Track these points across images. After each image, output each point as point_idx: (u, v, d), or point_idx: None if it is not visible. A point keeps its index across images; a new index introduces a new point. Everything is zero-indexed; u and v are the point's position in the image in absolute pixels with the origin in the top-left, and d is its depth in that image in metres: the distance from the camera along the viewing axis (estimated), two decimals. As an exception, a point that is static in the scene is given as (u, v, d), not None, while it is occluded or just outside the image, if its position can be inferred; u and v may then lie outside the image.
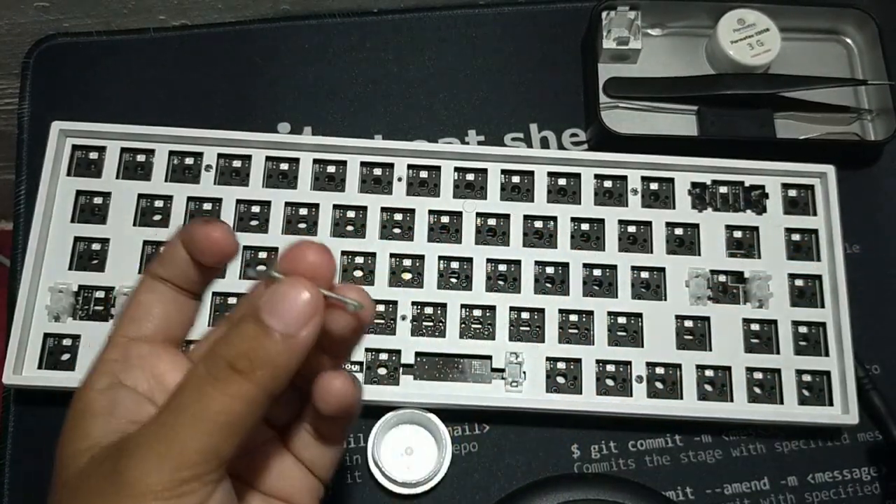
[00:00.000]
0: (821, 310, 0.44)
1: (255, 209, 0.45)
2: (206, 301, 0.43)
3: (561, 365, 0.43)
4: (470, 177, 0.46)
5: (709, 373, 0.43)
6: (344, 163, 0.46)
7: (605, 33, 0.49)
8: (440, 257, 0.45)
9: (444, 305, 0.44)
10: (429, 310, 0.44)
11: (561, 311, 0.44)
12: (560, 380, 0.43)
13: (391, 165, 0.46)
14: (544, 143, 0.50)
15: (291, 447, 0.29)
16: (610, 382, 0.43)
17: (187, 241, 0.27)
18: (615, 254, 0.45)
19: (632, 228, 0.46)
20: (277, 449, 0.29)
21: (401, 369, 0.43)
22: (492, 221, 0.46)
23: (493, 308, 0.44)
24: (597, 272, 0.45)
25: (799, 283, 0.45)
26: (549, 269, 0.45)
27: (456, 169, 0.46)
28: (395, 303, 0.44)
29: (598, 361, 0.43)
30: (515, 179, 0.46)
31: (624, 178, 0.46)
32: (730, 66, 0.49)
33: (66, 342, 0.43)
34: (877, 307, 0.47)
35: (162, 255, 0.28)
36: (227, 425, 0.24)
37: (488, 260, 0.45)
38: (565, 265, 0.45)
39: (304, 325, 0.24)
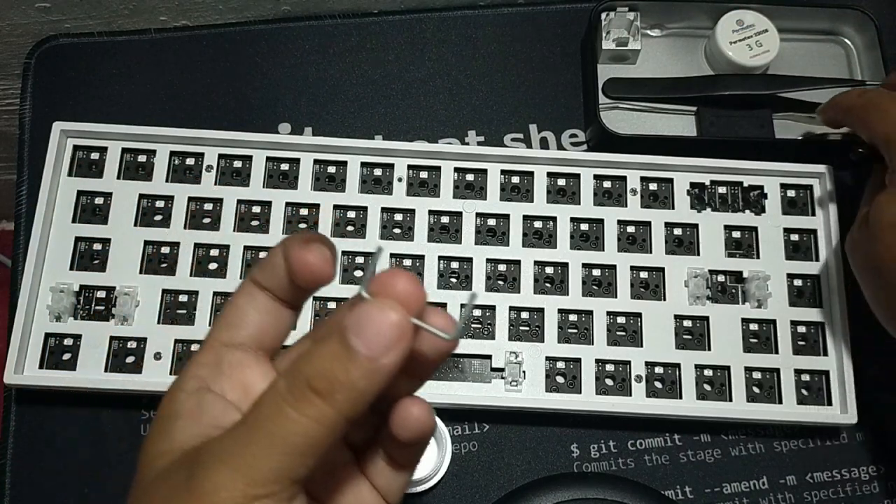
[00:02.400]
0: (819, 309, 0.44)
1: (256, 209, 0.45)
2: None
3: (560, 364, 0.43)
4: (470, 177, 0.46)
5: (708, 372, 0.43)
6: (344, 163, 0.46)
7: (604, 34, 0.50)
8: (440, 257, 0.45)
9: (443, 305, 0.44)
10: (429, 309, 0.44)
11: (560, 310, 0.44)
12: (559, 379, 0.43)
13: (391, 166, 0.46)
14: (544, 144, 0.50)
15: (366, 471, 0.29)
16: (609, 382, 0.43)
17: (286, 256, 0.26)
18: (614, 254, 0.45)
19: (631, 228, 0.46)
20: (353, 472, 0.28)
21: (401, 369, 0.43)
22: (491, 221, 0.46)
23: (492, 308, 0.44)
24: (596, 272, 0.45)
25: (797, 282, 0.45)
26: (549, 269, 0.45)
27: (456, 169, 0.46)
28: (395, 303, 0.44)
29: (597, 361, 0.43)
30: (515, 180, 0.46)
31: (623, 178, 0.46)
32: (729, 67, 0.49)
33: (68, 342, 0.43)
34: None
35: (263, 263, 0.27)
36: (302, 447, 0.23)
37: (488, 260, 0.45)
38: (565, 265, 0.45)
39: (389, 350, 0.23)
